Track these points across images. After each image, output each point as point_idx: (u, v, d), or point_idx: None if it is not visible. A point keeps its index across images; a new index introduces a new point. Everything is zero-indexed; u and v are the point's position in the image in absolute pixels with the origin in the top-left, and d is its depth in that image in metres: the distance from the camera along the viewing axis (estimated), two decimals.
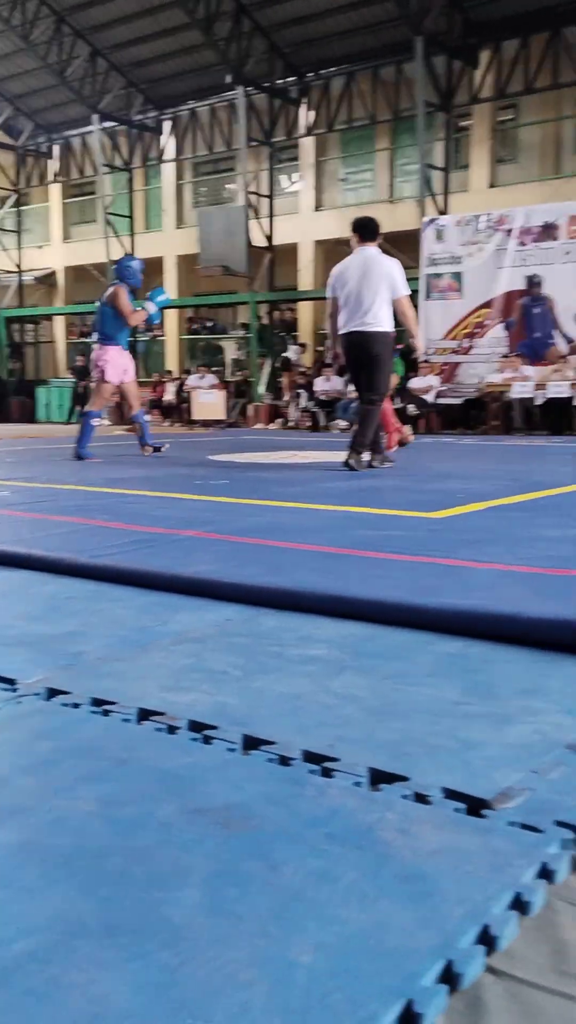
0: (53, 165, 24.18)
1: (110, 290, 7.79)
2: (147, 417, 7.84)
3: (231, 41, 17.48)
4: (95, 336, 8.08)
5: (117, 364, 7.73)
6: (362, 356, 6.43)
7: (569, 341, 13.61)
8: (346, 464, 6.35)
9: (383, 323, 6.34)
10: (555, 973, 0.89)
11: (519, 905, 0.99)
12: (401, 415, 14.73)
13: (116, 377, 7.75)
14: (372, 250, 6.45)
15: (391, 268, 6.39)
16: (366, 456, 6.41)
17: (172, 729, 1.52)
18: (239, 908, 0.97)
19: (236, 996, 0.82)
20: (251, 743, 1.45)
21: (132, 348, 21.67)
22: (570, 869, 1.08)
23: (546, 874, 1.05)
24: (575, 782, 1.30)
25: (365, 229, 6.49)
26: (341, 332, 6.44)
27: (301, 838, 1.13)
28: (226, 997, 0.82)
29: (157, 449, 8.10)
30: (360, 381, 6.53)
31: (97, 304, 8.00)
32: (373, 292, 6.30)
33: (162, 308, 8.11)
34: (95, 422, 7.83)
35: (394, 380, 9.24)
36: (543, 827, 1.15)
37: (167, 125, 21.71)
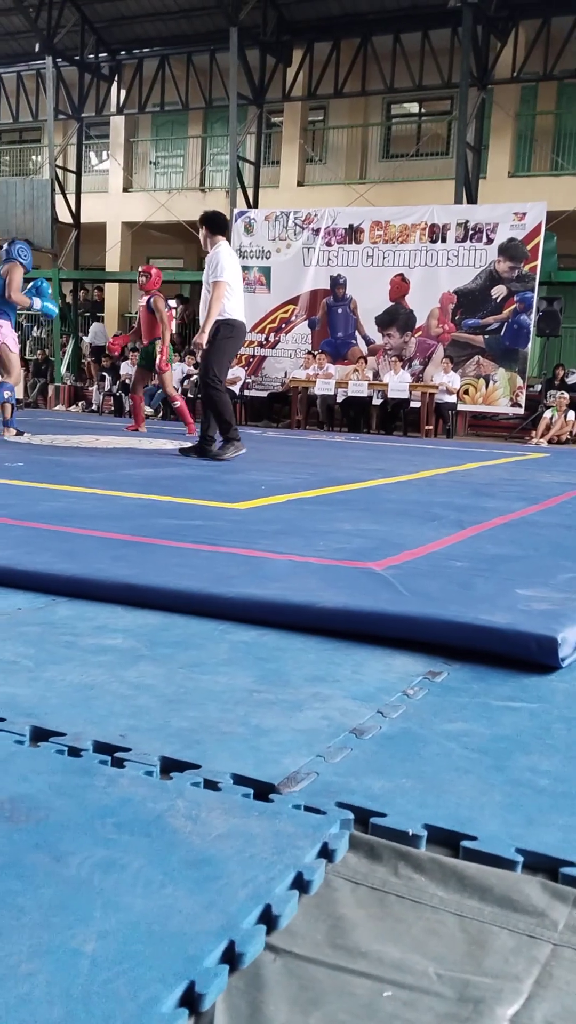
0: None
1: (4, 267, 7.72)
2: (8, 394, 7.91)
3: (41, 9, 16.86)
4: None
5: (13, 335, 7.85)
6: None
7: (369, 343, 14.13)
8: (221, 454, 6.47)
9: None
10: (331, 947, 0.94)
11: (300, 884, 1.03)
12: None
13: (16, 347, 7.87)
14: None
15: None
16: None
17: None
18: (22, 901, 0.96)
19: (16, 988, 0.81)
20: (40, 734, 1.42)
21: None
22: (348, 848, 1.13)
23: (326, 853, 1.10)
24: (358, 765, 1.37)
25: (214, 223, 6.61)
26: (237, 319, 6.46)
27: (89, 828, 1.12)
28: (5, 990, 0.81)
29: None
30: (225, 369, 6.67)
31: None
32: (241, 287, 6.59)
33: (44, 305, 8.24)
34: (8, 394, 7.85)
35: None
36: (326, 809, 1.21)
37: None
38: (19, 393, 16.21)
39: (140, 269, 9.38)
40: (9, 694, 1.59)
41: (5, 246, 8.04)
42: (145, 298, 9.14)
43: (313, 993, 0.86)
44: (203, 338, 6.33)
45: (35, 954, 0.87)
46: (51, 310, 8.26)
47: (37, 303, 7.99)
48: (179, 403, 9.61)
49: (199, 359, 6.72)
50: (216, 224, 6.62)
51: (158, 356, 9.03)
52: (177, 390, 14.66)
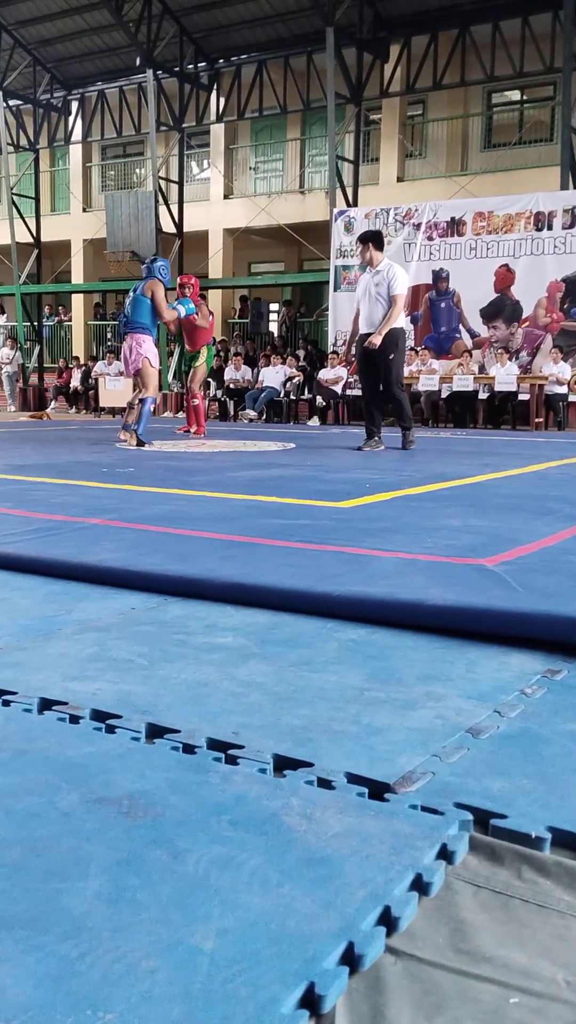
0: None
1: (146, 282, 8.12)
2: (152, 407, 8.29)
3: (141, 23, 17.21)
4: (125, 324, 8.33)
5: (155, 351, 8.22)
6: None
7: (473, 336, 13.89)
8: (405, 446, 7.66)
9: None
10: (453, 951, 0.91)
11: (419, 886, 1.00)
12: (310, 406, 14.86)
13: (158, 363, 8.28)
14: None
15: None
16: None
17: (75, 719, 1.49)
18: (141, 896, 0.96)
19: (137, 985, 0.81)
20: (155, 731, 1.44)
21: (39, 333, 21.12)
22: (468, 849, 1.10)
23: (446, 855, 1.07)
24: (475, 765, 1.33)
25: (379, 241, 7.68)
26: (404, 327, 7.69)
27: (205, 825, 1.12)
28: (127, 987, 0.81)
29: (142, 444, 7.88)
30: None
31: (131, 294, 8.30)
32: None
33: (188, 309, 8.90)
34: (151, 406, 8.26)
35: (203, 372, 9.94)
36: (444, 809, 1.18)
37: (75, 106, 21.26)
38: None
39: (179, 280, 9.50)
40: (125, 692, 1.61)
41: (147, 263, 8.42)
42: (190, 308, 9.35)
43: (437, 998, 0.84)
44: (377, 339, 7.24)
45: (155, 951, 0.87)
46: (191, 308, 8.89)
47: (182, 310, 8.66)
48: (197, 401, 9.87)
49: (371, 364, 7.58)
50: (380, 241, 7.69)
51: (208, 363, 9.70)
52: (281, 393, 14.76)
